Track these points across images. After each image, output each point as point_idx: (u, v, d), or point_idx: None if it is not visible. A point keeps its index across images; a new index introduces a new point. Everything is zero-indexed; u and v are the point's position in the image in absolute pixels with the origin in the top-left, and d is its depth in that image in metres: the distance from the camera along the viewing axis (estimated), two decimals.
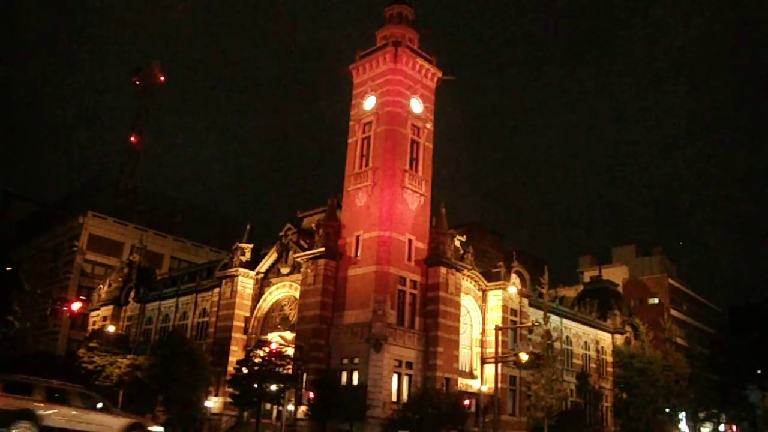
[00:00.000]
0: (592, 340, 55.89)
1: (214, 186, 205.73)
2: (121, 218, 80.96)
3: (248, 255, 48.81)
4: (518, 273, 47.37)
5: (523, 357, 34.48)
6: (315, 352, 39.11)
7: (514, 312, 45.79)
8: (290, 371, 37.84)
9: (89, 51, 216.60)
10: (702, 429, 61.46)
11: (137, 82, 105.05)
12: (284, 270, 46.35)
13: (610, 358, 57.02)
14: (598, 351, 56.11)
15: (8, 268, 46.48)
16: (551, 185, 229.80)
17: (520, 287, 45.62)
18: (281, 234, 47.35)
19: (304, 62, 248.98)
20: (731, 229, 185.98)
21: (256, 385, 37.26)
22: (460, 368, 42.02)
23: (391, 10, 46.39)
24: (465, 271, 43.12)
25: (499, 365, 35.92)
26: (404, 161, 41.91)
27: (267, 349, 38.46)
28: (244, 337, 47.08)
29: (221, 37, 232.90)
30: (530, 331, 42.63)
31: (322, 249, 40.84)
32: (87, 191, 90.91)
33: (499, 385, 36.37)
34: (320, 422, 36.40)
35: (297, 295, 43.71)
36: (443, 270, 40.81)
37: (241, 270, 47.86)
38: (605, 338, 57.26)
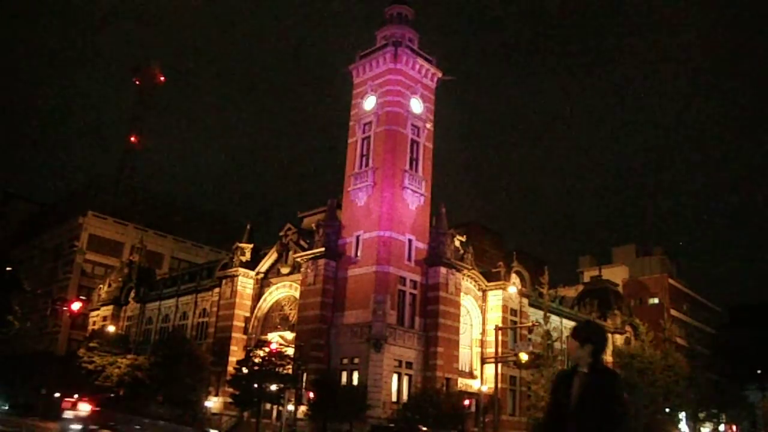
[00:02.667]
0: None
1: (214, 186, 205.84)
2: (121, 218, 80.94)
3: (248, 255, 48.82)
4: (518, 273, 47.37)
5: (523, 357, 34.48)
6: (315, 352, 39.12)
7: (514, 312, 45.79)
8: (290, 371, 37.85)
9: (89, 50, 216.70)
10: (702, 429, 61.42)
11: (137, 82, 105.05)
12: (284, 270, 46.35)
13: (610, 358, 56.92)
14: None
15: (8, 268, 46.43)
16: (551, 185, 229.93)
17: (520, 287, 45.63)
18: (281, 234, 47.36)
19: (304, 62, 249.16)
20: (731, 229, 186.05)
21: (256, 385, 37.29)
22: (460, 368, 42.03)
23: (391, 10, 46.40)
24: (465, 271, 43.12)
25: (499, 365, 35.94)
26: (404, 161, 41.93)
27: (267, 349, 38.48)
28: (244, 337, 47.09)
29: (221, 37, 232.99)
30: (530, 331, 42.61)
31: (322, 249, 40.84)
32: (87, 191, 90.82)
33: (499, 385, 36.39)
34: (320, 422, 36.41)
35: (297, 295, 43.72)
36: (443, 270, 40.82)
37: (241, 270, 47.87)
38: None
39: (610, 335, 57.36)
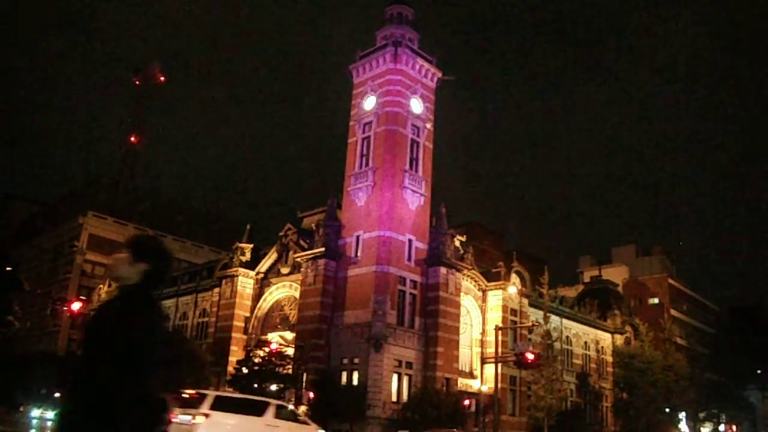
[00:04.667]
0: (592, 340, 55.90)
1: (213, 186, 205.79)
2: (121, 218, 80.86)
3: (248, 255, 48.81)
4: (518, 273, 47.37)
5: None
6: (315, 352, 39.11)
7: (514, 312, 45.80)
8: (290, 371, 37.85)
9: (89, 50, 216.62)
10: (702, 429, 61.49)
11: (137, 82, 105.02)
12: (284, 270, 46.35)
13: (610, 358, 57.03)
14: (598, 351, 56.12)
15: (8, 268, 46.42)
16: (551, 185, 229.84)
17: (520, 287, 45.63)
18: (281, 234, 47.35)
19: (304, 62, 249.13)
20: (731, 229, 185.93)
21: (256, 385, 37.27)
22: (460, 368, 42.02)
23: (391, 10, 46.39)
24: (465, 271, 43.12)
25: (499, 365, 35.93)
26: (404, 161, 41.93)
27: (267, 349, 38.49)
28: (244, 337, 47.08)
29: (221, 37, 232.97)
30: (530, 331, 42.64)
31: (322, 249, 40.84)
32: (87, 191, 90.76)
33: (499, 385, 36.37)
34: (320, 422, 36.34)
35: (297, 295, 43.71)
36: (443, 270, 40.81)
37: (241, 270, 47.85)
38: (605, 338, 57.26)
39: (610, 335, 57.36)
